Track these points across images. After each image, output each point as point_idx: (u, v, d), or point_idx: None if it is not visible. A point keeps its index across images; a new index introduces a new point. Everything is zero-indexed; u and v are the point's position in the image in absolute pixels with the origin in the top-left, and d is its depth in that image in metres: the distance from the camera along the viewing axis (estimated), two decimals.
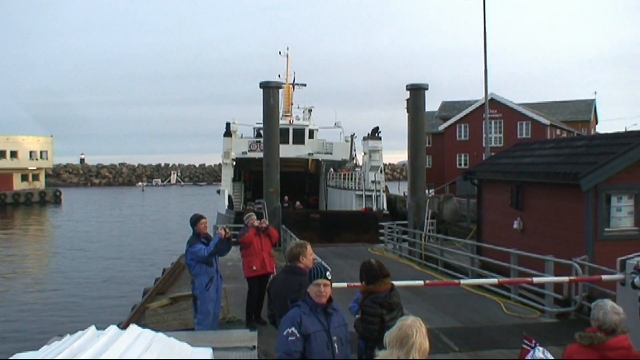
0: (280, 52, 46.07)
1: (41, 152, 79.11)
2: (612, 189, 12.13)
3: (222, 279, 9.83)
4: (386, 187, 47.14)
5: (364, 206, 32.29)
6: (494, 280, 11.31)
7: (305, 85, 47.49)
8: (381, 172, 35.21)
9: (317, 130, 44.89)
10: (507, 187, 15.73)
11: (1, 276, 27.46)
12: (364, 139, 36.92)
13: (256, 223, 11.01)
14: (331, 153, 42.80)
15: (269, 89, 24.08)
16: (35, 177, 79.31)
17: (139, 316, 12.57)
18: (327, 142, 44.08)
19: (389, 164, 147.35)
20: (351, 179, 36.16)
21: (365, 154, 36.53)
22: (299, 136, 42.20)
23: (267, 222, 11.54)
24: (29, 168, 77.53)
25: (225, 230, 9.22)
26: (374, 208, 32.06)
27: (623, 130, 65.47)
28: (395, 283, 10.39)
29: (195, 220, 9.39)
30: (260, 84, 24.15)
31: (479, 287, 13.60)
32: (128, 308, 15.17)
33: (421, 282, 10.27)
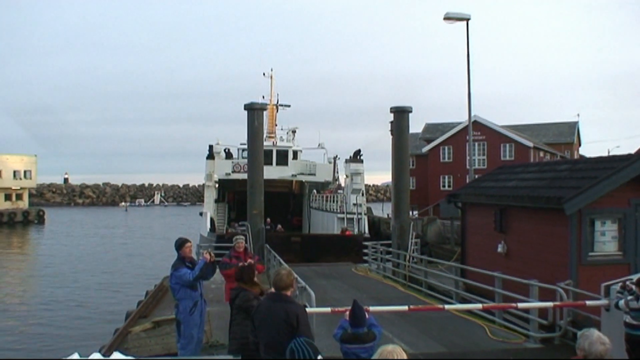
0: (264, 74, 46.42)
1: (25, 172, 78.36)
2: (596, 213, 12.22)
3: (206, 303, 9.69)
4: (369, 209, 47.46)
5: (348, 230, 32.35)
6: (479, 306, 11.28)
7: (289, 106, 47.79)
8: (363, 195, 35.31)
9: (300, 151, 45.11)
10: (491, 210, 15.81)
11: None
12: (346, 161, 37.20)
13: (240, 264, 10.34)
14: (314, 174, 43.01)
15: (253, 111, 24.10)
16: (19, 197, 78.37)
17: (122, 340, 12.38)
18: (311, 164, 44.26)
19: (373, 185, 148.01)
20: (333, 200, 36.25)
21: (347, 176, 36.73)
22: (283, 157, 42.37)
23: (252, 261, 10.44)
24: (12, 188, 76.65)
25: (210, 254, 9.14)
26: (356, 231, 32.13)
27: (606, 151, 66.10)
28: (380, 308, 10.44)
29: (180, 244, 9.28)
30: (245, 105, 24.17)
31: (464, 310, 13.58)
32: (110, 331, 14.91)
33: (405, 307, 10.20)
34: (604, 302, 9.01)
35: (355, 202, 34.00)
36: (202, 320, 9.52)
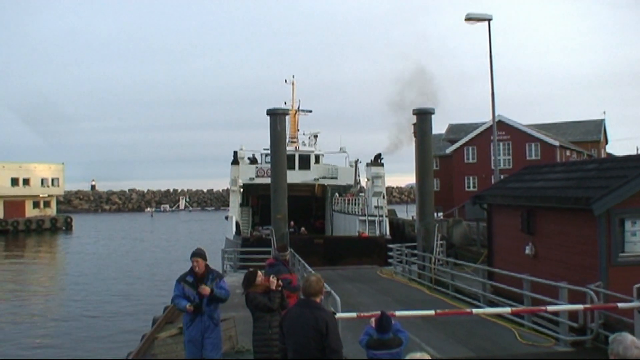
0: (286, 80, 46.85)
1: (52, 180, 79.97)
2: (626, 213, 11.93)
3: (214, 325, 8.65)
4: (393, 211, 47.69)
5: (364, 232, 32.65)
6: (507, 310, 11.11)
7: (310, 111, 48.30)
8: (383, 197, 35.84)
9: (322, 155, 45.47)
10: (518, 211, 15.57)
11: (13, 306, 27.40)
12: (367, 165, 37.69)
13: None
14: (336, 178, 43.36)
15: (276, 116, 24.18)
16: (47, 204, 79.89)
17: (149, 346, 12.49)
18: (333, 167, 44.60)
19: (397, 187, 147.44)
20: (355, 203, 36.65)
21: (368, 179, 37.10)
22: (305, 162, 42.72)
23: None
24: (41, 195, 78.24)
25: (192, 308, 8.42)
26: (377, 233, 32.42)
27: (634, 149, 64.80)
28: (406, 313, 10.37)
29: (190, 255, 8.78)
30: (267, 111, 24.28)
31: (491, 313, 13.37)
32: (138, 337, 15.06)
33: (432, 312, 10.09)
34: (636, 304, 8.81)
35: (376, 204, 34.38)
36: (207, 338, 8.52)
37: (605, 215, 11.86)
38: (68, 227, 76.19)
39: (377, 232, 32.64)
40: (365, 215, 34.15)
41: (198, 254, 8.70)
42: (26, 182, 75.90)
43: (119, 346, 18.16)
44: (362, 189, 41.56)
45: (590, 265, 12.19)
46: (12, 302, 28.23)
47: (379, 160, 37.33)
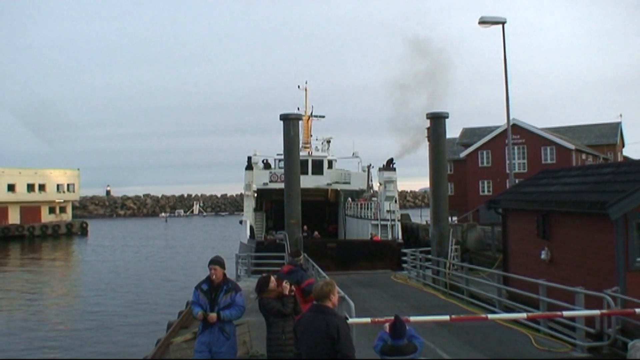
0: (299, 86, 47.07)
1: (68, 185, 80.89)
2: None
3: (225, 338, 8.26)
4: (407, 215, 47.72)
5: (376, 235, 32.71)
6: (523, 315, 11.02)
7: (323, 117, 48.40)
8: (396, 202, 35.91)
9: (335, 160, 45.74)
10: (533, 216, 15.46)
11: (28, 311, 27.64)
12: (380, 170, 37.82)
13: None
14: (349, 183, 43.54)
15: (289, 121, 24.28)
16: (63, 210, 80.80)
17: (164, 351, 12.55)
18: (346, 172, 44.83)
19: (411, 191, 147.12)
20: (368, 208, 36.79)
21: (380, 184, 37.22)
22: (318, 167, 42.93)
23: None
24: (57, 201, 79.16)
25: (204, 316, 8.23)
26: (389, 237, 32.53)
27: None
28: (420, 318, 10.30)
29: (208, 263, 8.57)
30: (281, 116, 24.38)
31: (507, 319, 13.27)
32: (152, 342, 15.12)
33: (447, 317, 10.03)
34: None
35: (388, 209, 34.46)
36: (217, 353, 8.17)
37: (622, 219, 11.73)
38: (83, 232, 77.07)
39: (390, 236, 32.68)
40: (377, 219, 34.26)
41: (216, 261, 8.47)
42: (42, 187, 76.87)
43: (134, 350, 18.27)
44: (374, 194, 41.61)
45: (607, 270, 12.06)
46: (29, 306, 28.51)
47: (391, 165, 37.49)
